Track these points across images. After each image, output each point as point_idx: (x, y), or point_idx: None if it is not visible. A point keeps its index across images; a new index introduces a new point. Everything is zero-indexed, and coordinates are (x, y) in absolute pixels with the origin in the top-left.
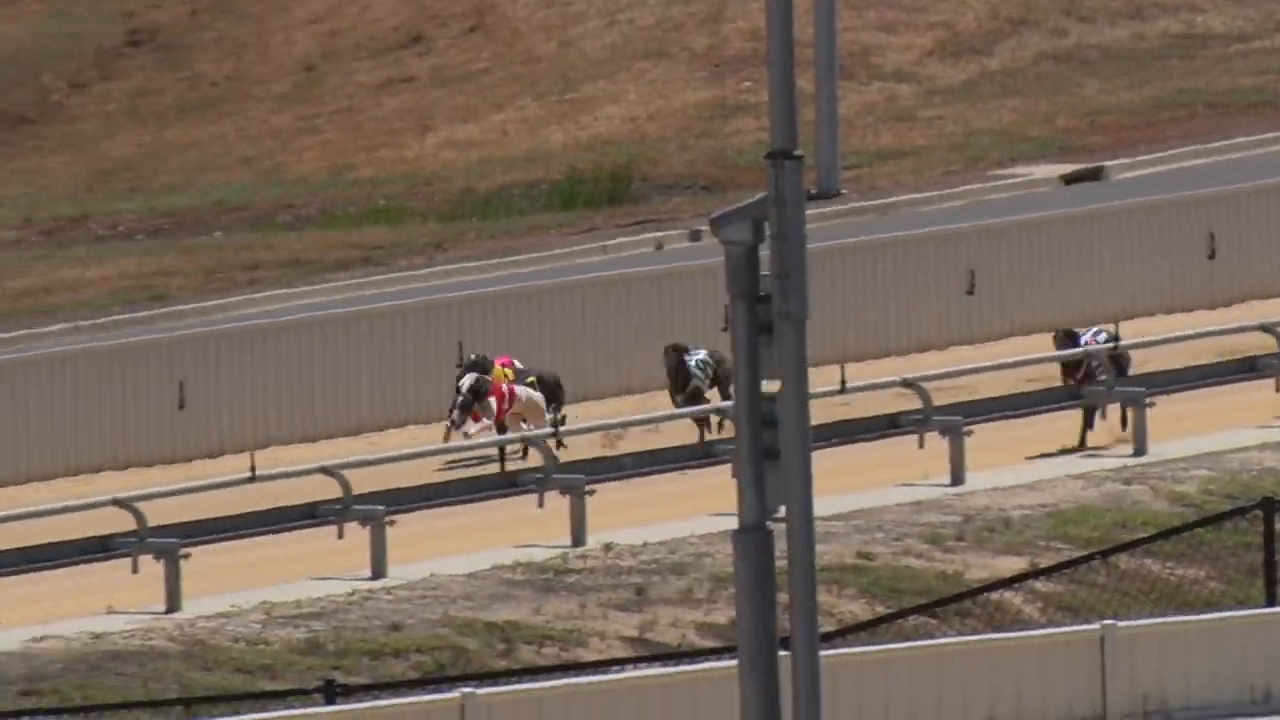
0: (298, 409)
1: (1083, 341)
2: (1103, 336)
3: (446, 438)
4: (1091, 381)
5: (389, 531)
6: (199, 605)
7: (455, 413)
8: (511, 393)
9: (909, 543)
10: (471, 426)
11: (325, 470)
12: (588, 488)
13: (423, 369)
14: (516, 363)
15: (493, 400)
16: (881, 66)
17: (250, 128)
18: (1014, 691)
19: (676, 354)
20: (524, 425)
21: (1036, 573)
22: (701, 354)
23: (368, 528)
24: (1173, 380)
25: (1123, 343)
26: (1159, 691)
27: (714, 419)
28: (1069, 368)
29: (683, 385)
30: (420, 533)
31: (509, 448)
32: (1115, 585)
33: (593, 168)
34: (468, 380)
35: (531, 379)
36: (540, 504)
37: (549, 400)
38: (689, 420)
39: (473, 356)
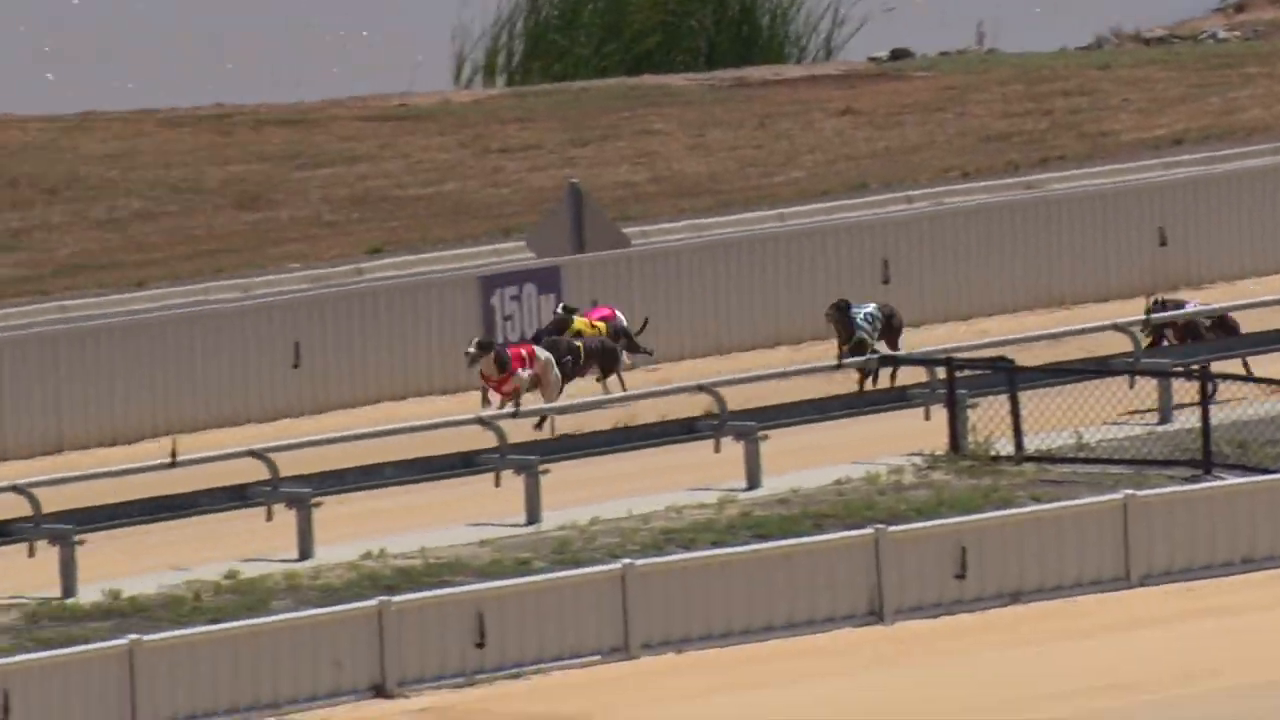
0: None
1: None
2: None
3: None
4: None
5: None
6: None
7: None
8: (531, 355)
9: None
10: (495, 398)
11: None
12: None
13: None
14: (620, 316)
15: (525, 373)
16: None
17: None
18: None
19: (839, 310)
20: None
21: None
22: (870, 307)
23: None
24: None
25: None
26: None
27: (878, 372)
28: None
29: (847, 338)
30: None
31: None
32: None
33: None
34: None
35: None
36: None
37: (603, 364)
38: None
39: (559, 310)
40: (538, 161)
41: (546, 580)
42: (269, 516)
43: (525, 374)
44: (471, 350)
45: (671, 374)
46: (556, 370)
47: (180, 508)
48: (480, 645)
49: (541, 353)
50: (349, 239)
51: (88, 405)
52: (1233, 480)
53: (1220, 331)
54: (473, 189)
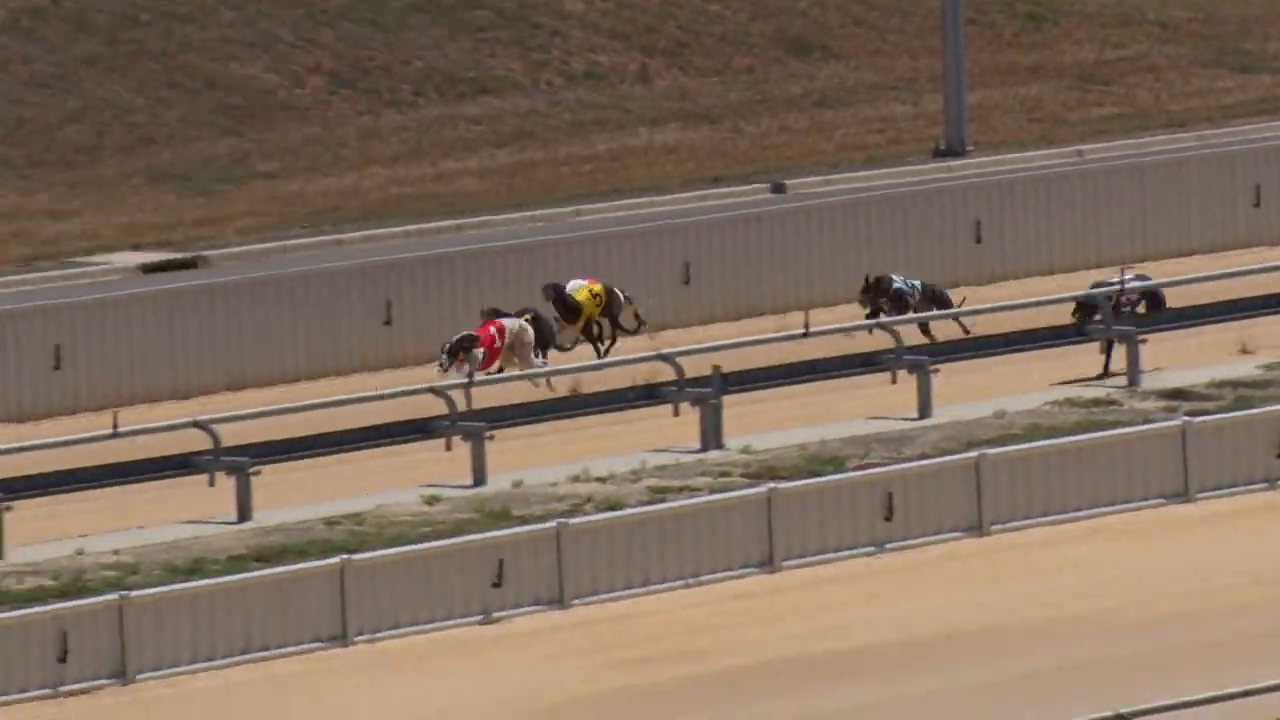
0: None
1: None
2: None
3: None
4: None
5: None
6: None
7: (444, 359)
8: (501, 331)
9: None
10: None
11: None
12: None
13: None
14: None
15: (479, 351)
16: None
17: None
18: None
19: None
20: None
21: None
22: (915, 281)
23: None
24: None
25: None
26: None
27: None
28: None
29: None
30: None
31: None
32: None
33: None
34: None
35: (527, 315)
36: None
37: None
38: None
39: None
40: None
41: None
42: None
43: (478, 352)
44: (443, 360)
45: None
46: (529, 334)
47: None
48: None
49: (512, 323)
50: None
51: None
52: None
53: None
54: None
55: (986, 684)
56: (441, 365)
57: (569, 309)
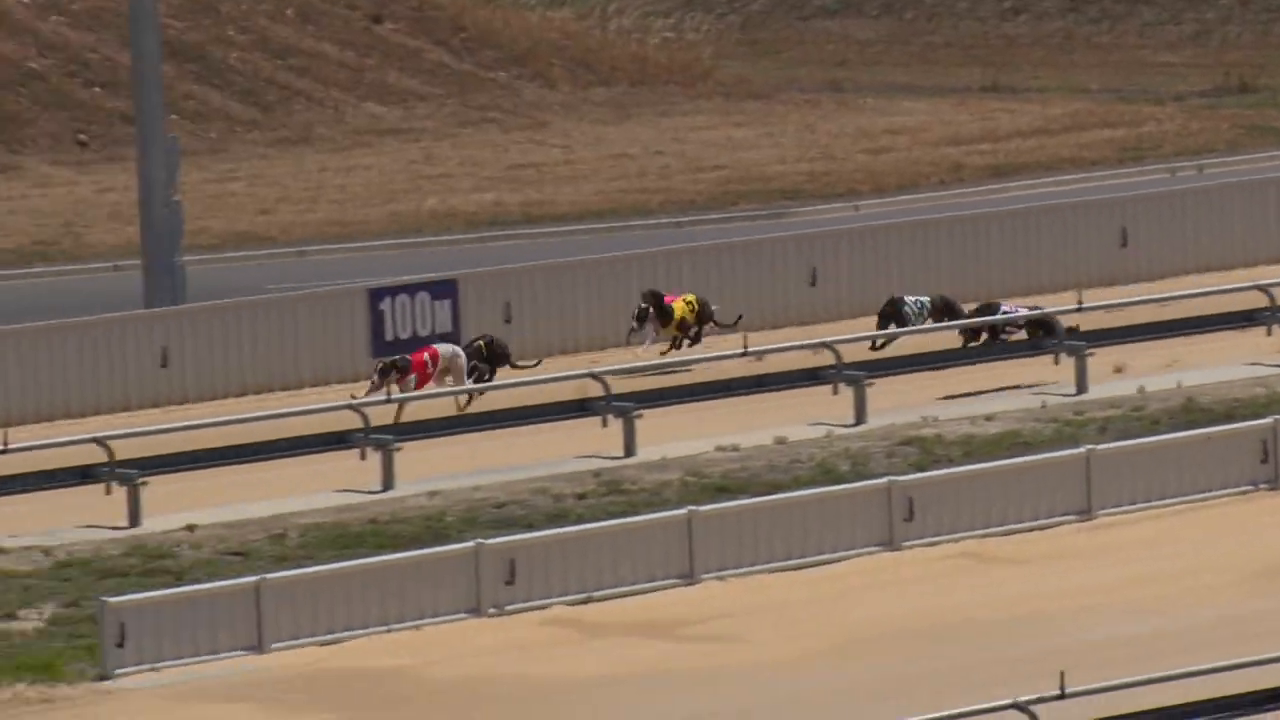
0: None
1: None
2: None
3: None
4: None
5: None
6: None
7: (376, 376)
8: (434, 356)
9: None
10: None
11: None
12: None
13: None
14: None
15: (413, 377)
16: None
17: None
18: None
19: (890, 304)
20: (448, 380)
21: None
22: (924, 299)
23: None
24: None
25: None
26: None
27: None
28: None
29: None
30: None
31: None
32: None
33: None
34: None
35: (483, 340)
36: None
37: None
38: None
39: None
40: None
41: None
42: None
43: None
44: (374, 379)
45: None
46: (462, 359)
47: None
48: None
49: (445, 349)
50: None
51: None
52: None
53: None
54: None
55: None
56: (373, 383)
57: (664, 313)
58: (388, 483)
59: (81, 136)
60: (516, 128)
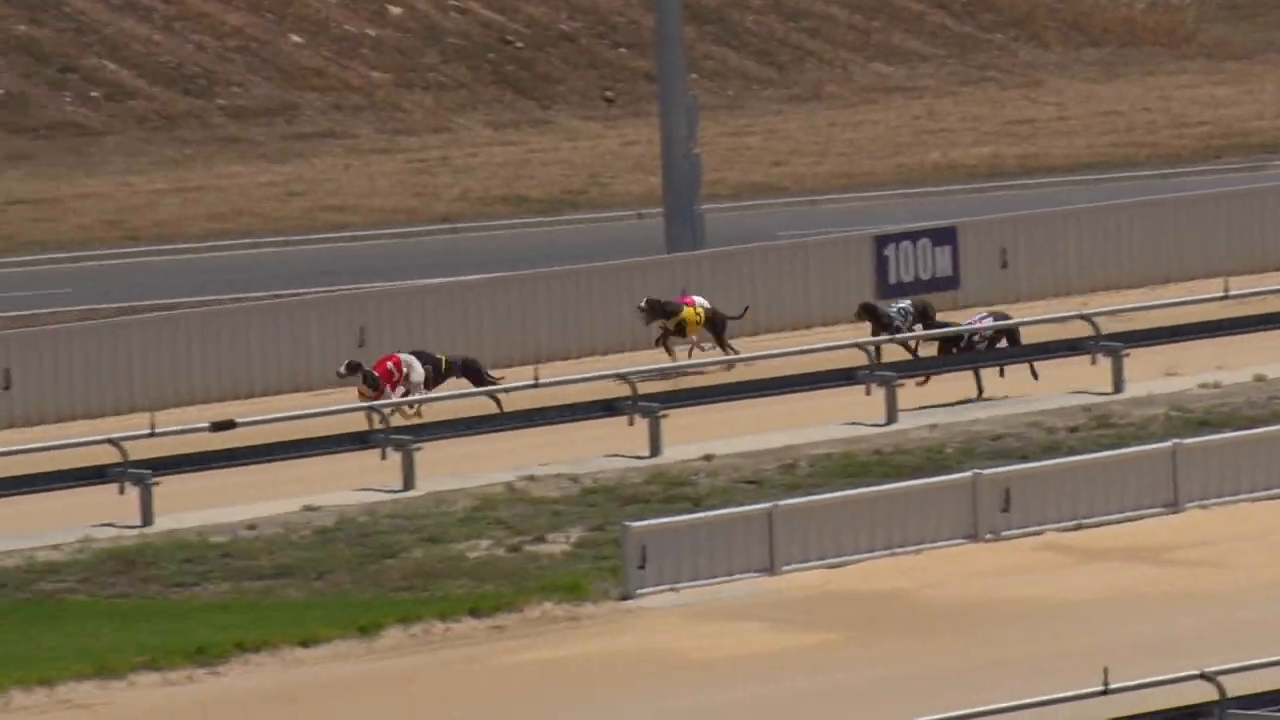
0: None
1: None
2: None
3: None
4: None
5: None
6: None
7: (340, 369)
8: (397, 363)
9: None
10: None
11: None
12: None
13: None
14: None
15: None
16: None
17: None
18: None
19: (866, 308)
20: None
21: None
22: (904, 303)
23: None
24: None
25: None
26: None
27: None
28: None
29: (878, 331)
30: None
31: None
32: None
33: None
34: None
35: (444, 358)
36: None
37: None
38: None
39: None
40: None
41: None
42: None
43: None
44: (341, 371)
45: None
46: (419, 371)
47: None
48: None
49: (406, 358)
50: None
51: None
52: None
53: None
54: None
55: None
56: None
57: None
58: (891, 416)
59: (608, 93)
60: (1013, 86)
